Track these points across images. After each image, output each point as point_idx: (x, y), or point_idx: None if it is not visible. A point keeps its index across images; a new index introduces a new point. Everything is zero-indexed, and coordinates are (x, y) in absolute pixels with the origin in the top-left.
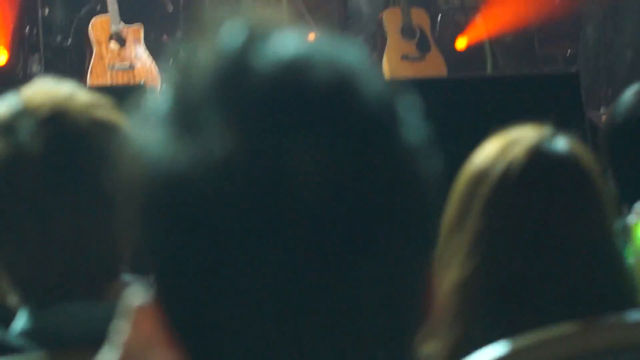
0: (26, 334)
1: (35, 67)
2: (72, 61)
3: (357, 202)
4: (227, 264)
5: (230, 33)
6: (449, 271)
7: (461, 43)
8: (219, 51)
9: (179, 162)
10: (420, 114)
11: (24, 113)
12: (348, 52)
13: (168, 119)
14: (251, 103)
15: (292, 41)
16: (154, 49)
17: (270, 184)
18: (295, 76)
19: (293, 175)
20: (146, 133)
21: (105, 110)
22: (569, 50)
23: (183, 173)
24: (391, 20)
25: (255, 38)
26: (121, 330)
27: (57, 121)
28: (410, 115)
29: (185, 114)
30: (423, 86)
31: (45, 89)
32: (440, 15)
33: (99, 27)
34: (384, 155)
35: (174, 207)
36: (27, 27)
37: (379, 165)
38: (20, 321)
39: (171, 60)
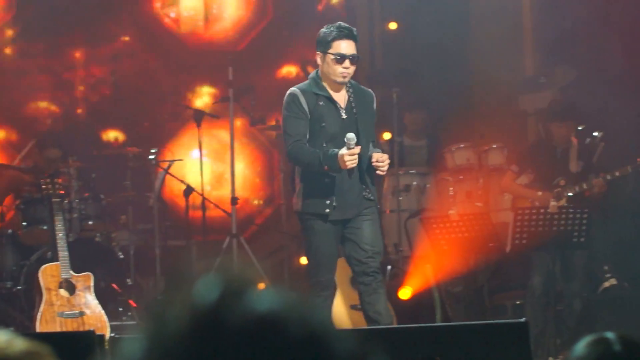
0: None
1: None
2: (21, 307)
3: None
4: None
5: (205, 287)
6: None
7: (406, 292)
8: (194, 304)
9: None
10: None
11: None
12: (317, 310)
13: None
14: (225, 355)
15: (265, 298)
16: (104, 296)
17: None
18: (268, 331)
19: None
20: None
21: (44, 358)
22: (518, 300)
23: None
24: (341, 271)
25: (229, 293)
26: None
27: None
28: None
29: None
30: (377, 336)
31: None
32: (390, 266)
33: (48, 274)
34: None
35: None
36: None
37: None
38: None
39: (146, 310)
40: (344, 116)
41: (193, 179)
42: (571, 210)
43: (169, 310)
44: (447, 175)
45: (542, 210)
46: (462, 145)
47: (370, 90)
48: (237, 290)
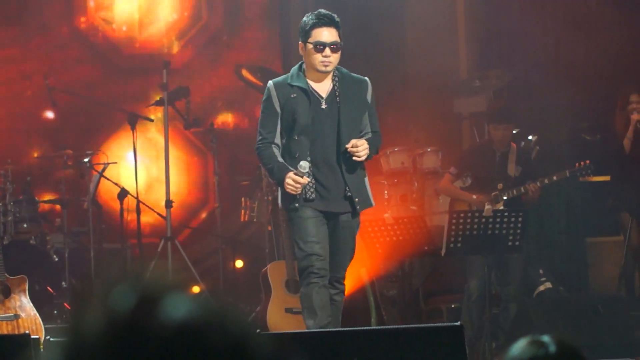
0: None
1: None
2: None
3: None
4: None
5: (121, 295)
6: None
7: None
8: (110, 313)
9: None
10: None
11: None
12: (239, 316)
13: None
14: None
15: (184, 305)
16: (39, 299)
17: None
18: (188, 339)
19: None
20: None
21: None
22: (454, 304)
23: None
24: (275, 274)
25: (146, 301)
26: None
27: None
28: None
29: None
30: (310, 340)
31: None
32: None
33: None
34: None
35: None
36: None
37: None
38: None
39: (66, 321)
40: (324, 106)
41: (128, 182)
42: (506, 214)
43: (86, 317)
44: (381, 178)
45: (477, 214)
46: (396, 149)
47: (365, 78)
48: (154, 298)
